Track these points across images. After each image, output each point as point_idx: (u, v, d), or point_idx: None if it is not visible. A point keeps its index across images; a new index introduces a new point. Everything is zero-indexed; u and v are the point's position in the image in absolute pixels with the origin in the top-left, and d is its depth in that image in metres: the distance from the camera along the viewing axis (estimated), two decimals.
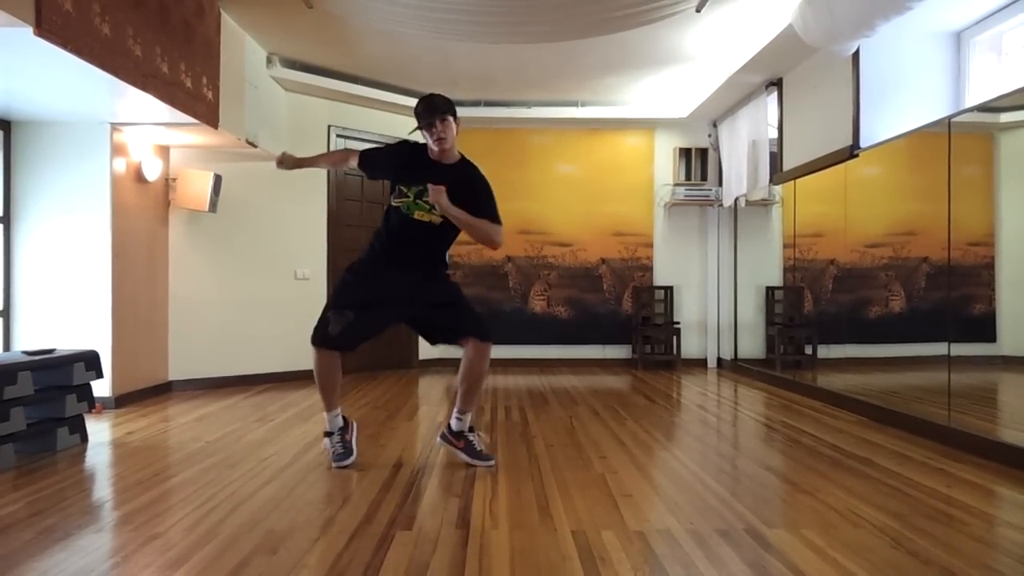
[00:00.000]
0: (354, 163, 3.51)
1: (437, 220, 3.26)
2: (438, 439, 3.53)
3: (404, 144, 3.53)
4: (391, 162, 3.46)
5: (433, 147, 3.27)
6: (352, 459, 3.39)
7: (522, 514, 2.68)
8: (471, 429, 3.48)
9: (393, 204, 3.33)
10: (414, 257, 3.33)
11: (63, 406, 3.78)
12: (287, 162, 3.57)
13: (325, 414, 3.43)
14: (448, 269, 3.53)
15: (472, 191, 3.28)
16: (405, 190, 3.29)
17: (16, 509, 2.75)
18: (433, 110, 3.23)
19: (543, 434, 4.14)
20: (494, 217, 3.31)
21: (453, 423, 3.44)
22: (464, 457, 3.40)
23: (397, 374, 6.94)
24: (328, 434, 3.43)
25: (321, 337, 3.29)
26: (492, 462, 3.40)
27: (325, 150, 6.61)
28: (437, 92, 3.43)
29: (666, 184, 7.69)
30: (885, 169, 5.14)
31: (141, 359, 5.34)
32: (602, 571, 2.14)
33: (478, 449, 3.43)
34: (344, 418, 3.49)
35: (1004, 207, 4.36)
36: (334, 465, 3.34)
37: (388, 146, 3.60)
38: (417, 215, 3.27)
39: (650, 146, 7.75)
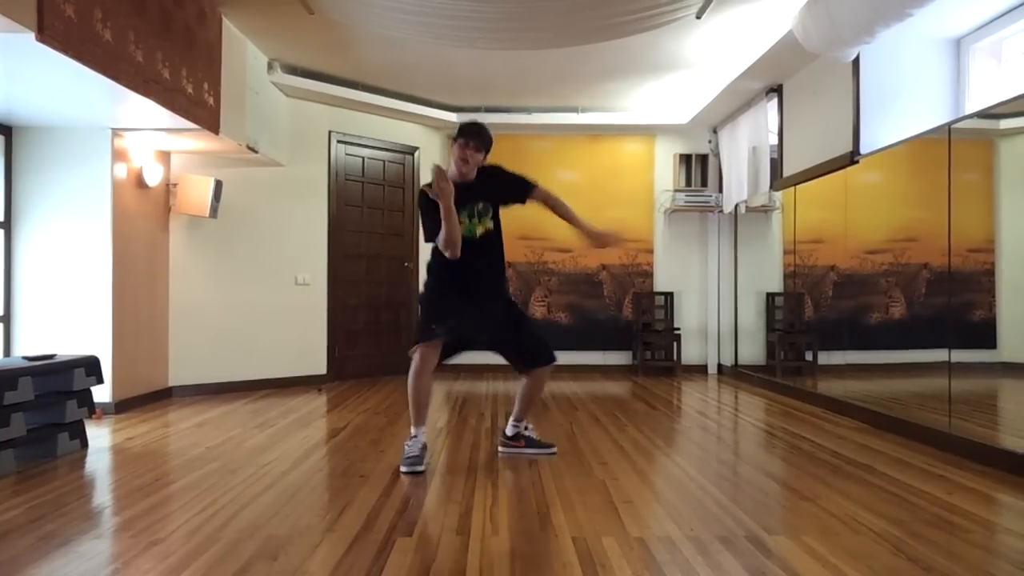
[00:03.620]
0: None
1: (491, 224, 3.54)
2: (500, 450, 3.79)
3: (424, 194, 3.39)
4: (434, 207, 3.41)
5: (456, 166, 3.45)
6: (421, 468, 3.40)
7: (523, 520, 2.68)
8: (526, 427, 3.82)
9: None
10: (485, 273, 3.54)
11: (63, 412, 3.78)
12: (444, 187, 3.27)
13: (414, 427, 3.48)
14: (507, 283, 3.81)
15: (504, 181, 3.60)
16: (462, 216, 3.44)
17: (16, 515, 2.75)
18: (477, 136, 3.44)
19: (543, 440, 4.13)
20: (533, 183, 3.62)
21: (509, 430, 3.79)
22: (529, 453, 3.72)
23: (397, 380, 6.91)
24: (413, 437, 3.47)
25: (426, 335, 3.43)
26: (554, 448, 3.78)
27: (326, 156, 6.64)
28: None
29: (666, 190, 7.70)
30: (885, 175, 5.15)
31: (141, 364, 5.34)
32: None
33: (537, 439, 3.81)
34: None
35: (1004, 213, 4.37)
36: (405, 468, 3.37)
37: (426, 202, 3.38)
38: (479, 232, 3.48)
39: (650, 152, 7.76)
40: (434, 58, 5.81)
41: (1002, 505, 2.97)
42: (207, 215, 5.59)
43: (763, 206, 7.10)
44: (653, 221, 7.75)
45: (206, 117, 4.66)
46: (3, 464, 3.34)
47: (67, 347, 4.75)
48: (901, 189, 5.15)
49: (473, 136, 3.45)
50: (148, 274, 5.46)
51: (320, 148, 6.63)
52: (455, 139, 3.48)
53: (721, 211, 7.50)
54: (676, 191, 7.63)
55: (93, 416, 4.10)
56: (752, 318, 7.30)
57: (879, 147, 4.80)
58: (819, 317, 6.08)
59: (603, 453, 3.80)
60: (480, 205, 3.50)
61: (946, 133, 4.13)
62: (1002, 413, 4.59)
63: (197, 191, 5.58)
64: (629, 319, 7.71)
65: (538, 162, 7.71)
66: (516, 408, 3.78)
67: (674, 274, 7.75)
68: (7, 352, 4.84)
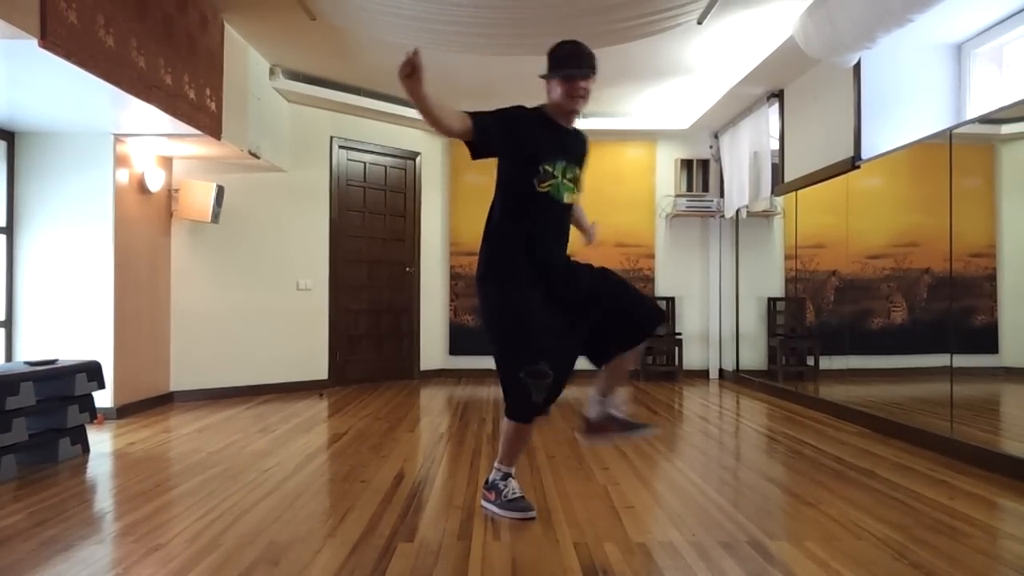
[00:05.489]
0: (460, 127, 2.68)
1: (578, 197, 2.89)
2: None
3: (523, 108, 2.85)
4: (524, 132, 2.78)
5: (568, 105, 2.81)
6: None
7: (524, 526, 2.67)
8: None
9: (539, 190, 2.74)
10: (561, 248, 2.85)
11: (65, 417, 3.78)
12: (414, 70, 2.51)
13: (505, 467, 2.83)
14: None
15: (585, 155, 3.02)
16: (551, 169, 2.76)
17: (17, 520, 2.75)
18: (584, 60, 2.74)
19: (545, 445, 4.13)
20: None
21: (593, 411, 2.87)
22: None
23: (398, 385, 6.93)
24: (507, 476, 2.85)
25: (528, 410, 2.66)
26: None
27: (327, 161, 6.65)
28: None
29: (667, 195, 7.70)
30: (886, 180, 5.15)
31: (143, 370, 5.34)
32: None
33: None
34: None
35: (1005, 218, 4.37)
36: (521, 515, 2.73)
37: (506, 111, 2.80)
38: (566, 198, 2.80)
39: (652, 157, 7.77)
40: (435, 63, 5.75)
41: (1004, 510, 2.96)
42: (209, 220, 5.60)
43: (764, 211, 7.10)
44: (654, 226, 7.75)
45: (208, 123, 4.67)
46: (4, 469, 3.34)
47: (69, 352, 4.74)
48: (902, 194, 5.15)
49: (581, 63, 2.73)
50: (150, 279, 5.46)
51: (322, 153, 6.64)
52: (557, 75, 2.79)
53: (722, 216, 7.50)
54: (677, 196, 7.63)
55: (94, 421, 4.10)
56: (753, 323, 7.29)
57: (880, 152, 4.80)
58: (820, 322, 6.07)
59: (604, 458, 3.80)
60: (574, 169, 2.86)
61: (947, 138, 4.13)
62: (1004, 418, 4.58)
63: (199, 196, 5.59)
64: None
65: None
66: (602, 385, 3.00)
67: (675, 279, 7.74)
68: (9, 357, 4.84)
